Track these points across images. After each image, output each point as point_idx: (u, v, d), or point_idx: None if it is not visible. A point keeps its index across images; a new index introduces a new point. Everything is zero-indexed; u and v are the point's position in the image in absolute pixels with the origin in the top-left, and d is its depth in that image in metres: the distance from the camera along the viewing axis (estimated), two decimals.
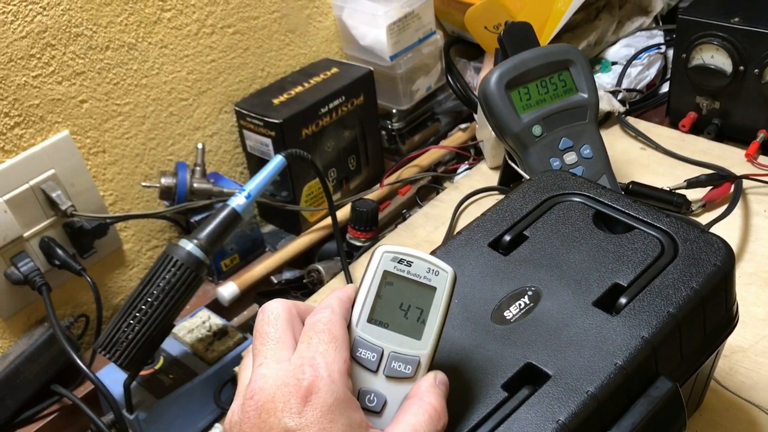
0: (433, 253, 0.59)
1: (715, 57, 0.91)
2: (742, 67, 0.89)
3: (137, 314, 0.66)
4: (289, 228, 0.93)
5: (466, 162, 1.03)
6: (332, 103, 0.88)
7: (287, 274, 0.91)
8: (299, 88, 0.88)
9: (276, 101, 0.86)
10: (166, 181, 0.81)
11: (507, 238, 0.59)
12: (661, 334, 0.50)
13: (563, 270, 0.55)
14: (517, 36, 0.81)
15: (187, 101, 0.85)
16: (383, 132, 1.02)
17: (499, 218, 0.61)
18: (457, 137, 1.05)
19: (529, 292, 0.54)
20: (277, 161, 0.75)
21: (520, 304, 0.53)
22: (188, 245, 0.69)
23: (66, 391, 0.75)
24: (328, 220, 0.90)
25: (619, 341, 0.49)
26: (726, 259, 0.54)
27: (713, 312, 0.54)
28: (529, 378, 0.48)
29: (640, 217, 0.58)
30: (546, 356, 0.49)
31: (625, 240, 0.57)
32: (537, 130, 0.78)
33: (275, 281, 0.90)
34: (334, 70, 0.92)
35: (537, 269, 0.56)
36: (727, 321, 0.56)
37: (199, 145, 0.83)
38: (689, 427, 0.64)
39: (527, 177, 0.81)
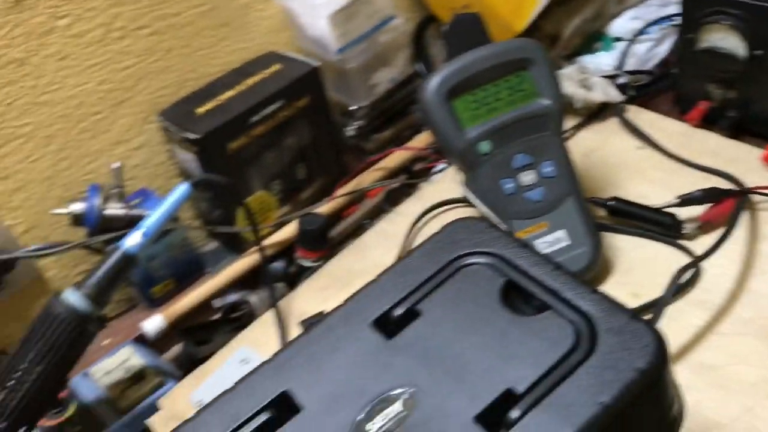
0: (307, 331, 0.49)
1: (726, 38, 0.74)
2: (758, 51, 0.72)
3: (11, 383, 0.60)
4: (230, 247, 0.84)
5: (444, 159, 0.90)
6: (267, 110, 0.77)
7: (232, 297, 0.83)
8: (230, 92, 0.78)
9: (200, 110, 0.76)
10: (75, 207, 0.73)
11: (395, 313, 0.48)
12: None
13: (450, 365, 0.44)
14: (464, 31, 0.67)
15: (102, 114, 0.76)
16: (345, 131, 0.90)
17: (393, 285, 0.50)
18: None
19: (405, 396, 0.43)
20: (180, 191, 0.66)
21: (388, 414, 0.43)
22: (71, 297, 0.61)
23: None
24: (274, 237, 0.81)
25: None
26: (655, 361, 0.41)
27: (636, 428, 0.42)
28: None
29: (559, 292, 0.46)
30: None
31: (534, 325, 0.45)
32: (485, 146, 0.65)
33: (217, 306, 0.82)
34: (275, 67, 0.81)
35: (420, 362, 0.45)
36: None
37: (114, 165, 0.74)
38: None
39: (475, 202, 0.69)
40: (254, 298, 0.77)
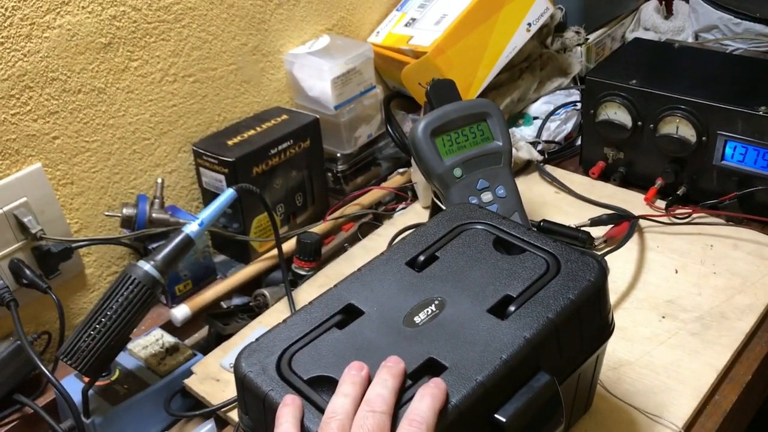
0: (359, 270, 0.70)
1: (617, 113, 1.04)
2: (639, 122, 1.02)
3: (97, 326, 0.74)
4: (239, 258, 1.02)
5: (404, 202, 1.14)
6: (281, 146, 0.98)
7: (236, 300, 1.00)
8: (252, 132, 0.99)
9: (230, 142, 0.97)
10: (127, 211, 0.90)
11: (421, 258, 0.69)
12: (541, 335, 0.60)
13: (465, 284, 0.65)
14: (442, 91, 0.93)
15: (150, 141, 0.95)
16: (329, 173, 1.12)
17: (416, 242, 0.71)
18: (395, 180, 1.16)
19: (436, 302, 0.64)
20: (228, 194, 0.84)
21: (427, 311, 0.63)
22: (145, 266, 0.77)
23: (27, 400, 0.82)
24: (275, 251, 1.00)
25: (506, 340, 0.59)
26: (599, 276, 0.65)
27: (589, 319, 0.65)
28: (431, 369, 0.58)
29: (531, 242, 0.69)
30: (445, 352, 0.59)
31: (517, 260, 0.67)
32: (458, 172, 0.90)
33: (225, 306, 0.99)
34: (284, 117, 1.03)
35: (444, 283, 0.66)
36: (603, 328, 0.67)
37: (159, 180, 0.92)
38: (579, 426, 0.74)
39: None
40: (268, 291, 0.95)
